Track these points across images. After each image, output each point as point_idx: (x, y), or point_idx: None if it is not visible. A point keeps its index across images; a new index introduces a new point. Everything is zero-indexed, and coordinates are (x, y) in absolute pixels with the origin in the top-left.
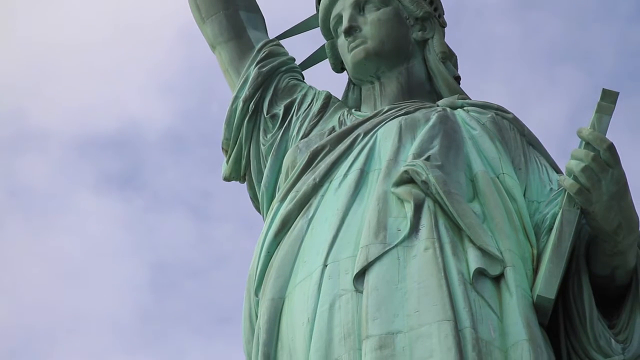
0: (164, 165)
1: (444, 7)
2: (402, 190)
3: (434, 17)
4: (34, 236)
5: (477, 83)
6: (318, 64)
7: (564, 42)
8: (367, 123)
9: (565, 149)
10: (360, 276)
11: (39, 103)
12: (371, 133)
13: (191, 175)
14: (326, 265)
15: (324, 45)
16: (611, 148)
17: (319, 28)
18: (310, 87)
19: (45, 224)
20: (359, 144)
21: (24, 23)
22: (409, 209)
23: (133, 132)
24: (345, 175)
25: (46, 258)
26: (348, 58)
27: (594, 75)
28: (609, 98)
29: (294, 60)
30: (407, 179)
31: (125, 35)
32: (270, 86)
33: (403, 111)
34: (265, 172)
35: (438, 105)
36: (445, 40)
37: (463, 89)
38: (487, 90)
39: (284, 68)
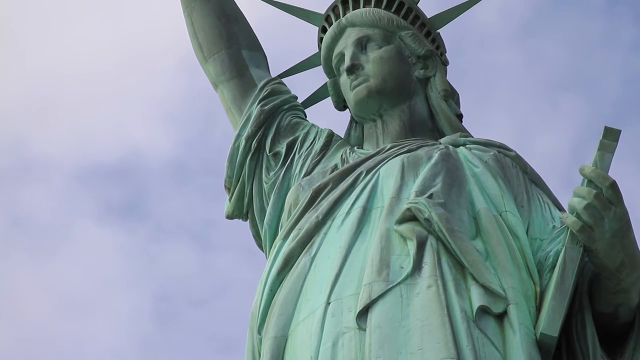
0: (167, 195)
1: (446, 35)
2: (404, 227)
3: (436, 55)
4: (36, 266)
5: (480, 112)
6: (320, 102)
7: (567, 70)
8: (370, 161)
9: (569, 178)
10: (363, 314)
11: (42, 132)
12: (374, 171)
13: (194, 204)
14: (329, 303)
15: (326, 83)
16: (614, 186)
17: (321, 66)
18: (313, 125)
19: (47, 254)
20: (361, 181)
21: (27, 52)
22: (411, 246)
23: (136, 161)
24: (348, 213)
25: (48, 288)
26: (350, 96)
27: (598, 103)
28: (611, 136)
29: (297, 98)
30: (409, 217)
31: (128, 65)
32: (273, 124)
33: (405, 149)
34: (268, 210)
35: (440, 143)
36: (448, 68)
37: (466, 118)
38: (490, 119)
39: (286, 106)
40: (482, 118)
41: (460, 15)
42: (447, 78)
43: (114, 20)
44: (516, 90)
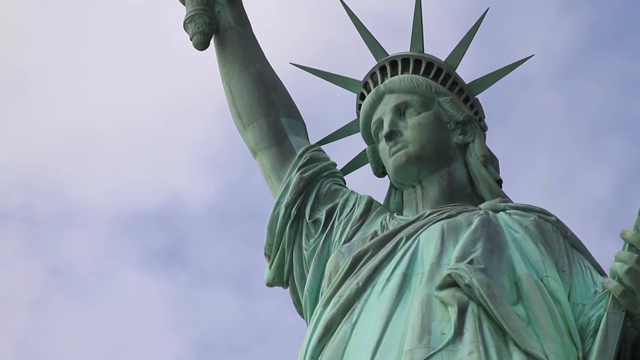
0: (208, 241)
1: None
2: (445, 293)
3: (475, 121)
4: (77, 314)
5: (522, 153)
6: (359, 169)
7: (610, 111)
8: (410, 227)
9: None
10: None
11: (82, 179)
12: (414, 237)
13: (235, 250)
14: None
15: (365, 150)
16: None
17: (360, 133)
18: (352, 191)
19: (88, 301)
20: (401, 248)
21: (67, 98)
22: (452, 312)
23: (176, 208)
24: (388, 279)
25: (89, 336)
26: (389, 162)
27: None
28: None
29: (336, 165)
30: (450, 283)
31: (168, 111)
32: (312, 191)
33: (445, 215)
34: (308, 277)
35: (480, 209)
36: (491, 111)
37: (509, 160)
38: (532, 161)
39: (325, 173)
40: (525, 160)
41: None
42: (489, 122)
43: (153, 66)
44: (559, 131)
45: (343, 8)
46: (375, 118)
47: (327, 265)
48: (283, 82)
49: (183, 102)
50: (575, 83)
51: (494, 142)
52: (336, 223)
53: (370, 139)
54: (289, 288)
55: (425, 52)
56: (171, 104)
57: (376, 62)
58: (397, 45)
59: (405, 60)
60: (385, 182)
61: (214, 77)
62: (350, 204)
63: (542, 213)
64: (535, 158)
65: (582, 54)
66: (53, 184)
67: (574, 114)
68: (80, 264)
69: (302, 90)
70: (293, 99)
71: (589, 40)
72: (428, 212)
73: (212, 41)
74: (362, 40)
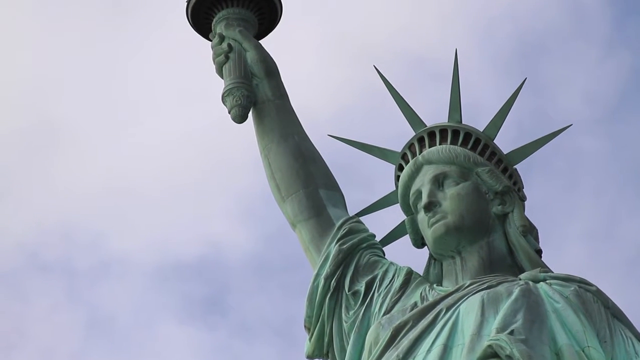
0: (248, 291)
1: (532, 119)
2: None
3: (514, 191)
4: None
5: (566, 198)
6: (398, 240)
7: None
8: (449, 298)
9: None
10: None
11: (121, 229)
12: (454, 308)
13: (275, 301)
14: None
15: (404, 221)
16: None
17: (398, 204)
18: (392, 263)
19: (128, 353)
20: (441, 319)
21: (105, 150)
22: None
23: (216, 258)
24: (429, 350)
25: None
26: (428, 233)
27: None
28: None
29: (375, 236)
30: (491, 354)
31: (207, 161)
32: (352, 263)
33: (485, 285)
34: (348, 349)
35: (520, 279)
36: (533, 157)
37: (552, 205)
38: (576, 206)
39: (364, 245)
40: (569, 205)
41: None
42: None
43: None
44: (602, 176)
45: (380, 79)
46: (413, 189)
47: (367, 337)
48: (321, 154)
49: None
50: (618, 127)
51: (535, 188)
52: (376, 294)
53: (409, 210)
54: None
55: (463, 121)
56: (209, 155)
57: (414, 133)
58: (436, 89)
59: (443, 130)
60: (425, 253)
61: (251, 128)
62: (390, 275)
63: (582, 283)
64: (579, 203)
65: (624, 98)
66: (92, 236)
67: (617, 158)
68: (120, 316)
69: (340, 161)
70: (331, 169)
71: (630, 84)
72: (468, 282)
73: (250, 114)
74: (400, 111)
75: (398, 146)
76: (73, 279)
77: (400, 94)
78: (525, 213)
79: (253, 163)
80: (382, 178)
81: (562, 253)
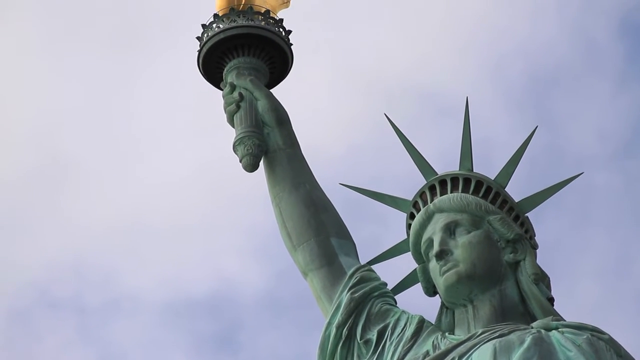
0: (260, 328)
1: (546, 156)
2: None
3: (525, 239)
4: None
5: (579, 234)
6: (410, 288)
7: None
8: (462, 346)
9: None
10: None
11: (132, 267)
12: (466, 356)
13: (288, 337)
14: None
15: (415, 269)
16: None
17: (410, 252)
18: (403, 311)
19: None
20: None
21: (116, 187)
22: None
23: (227, 295)
24: None
25: None
26: (440, 282)
27: None
28: None
29: (386, 284)
30: None
31: (218, 198)
32: (363, 312)
33: (497, 334)
34: None
35: (532, 327)
36: (545, 183)
37: (566, 241)
38: (589, 242)
39: (376, 293)
40: (581, 241)
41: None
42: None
43: (203, 150)
44: (615, 212)
45: (391, 126)
46: (425, 237)
47: None
48: (332, 202)
49: (232, 188)
50: (631, 163)
51: (548, 224)
52: (388, 343)
53: (420, 258)
54: None
55: (474, 158)
56: (220, 191)
57: (425, 181)
58: (447, 124)
59: (454, 179)
60: (437, 301)
61: (262, 166)
62: (402, 323)
63: (595, 331)
64: (592, 238)
65: (637, 134)
66: (103, 273)
67: (629, 194)
68: (131, 353)
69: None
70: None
71: None
72: (480, 331)
73: (261, 162)
74: (412, 160)
75: (410, 183)
76: (84, 316)
77: (410, 139)
78: (538, 249)
79: (264, 199)
80: (395, 212)
81: (574, 290)
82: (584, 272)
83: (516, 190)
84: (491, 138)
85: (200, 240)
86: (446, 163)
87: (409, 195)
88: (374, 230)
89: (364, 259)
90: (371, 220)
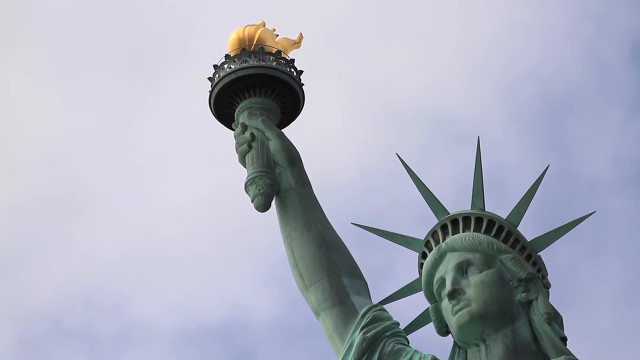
0: (273, 355)
1: (559, 181)
2: None
3: (538, 278)
4: None
5: (592, 259)
6: (423, 328)
7: None
8: None
9: None
10: None
11: (143, 296)
12: None
13: None
14: None
15: (427, 308)
16: None
17: (422, 292)
18: (416, 350)
19: None
20: None
21: (127, 214)
22: None
23: (240, 322)
24: None
25: None
26: (452, 321)
27: None
28: None
29: (399, 324)
30: None
31: (229, 225)
32: (376, 351)
33: None
34: None
35: None
36: (559, 217)
37: (577, 268)
38: (602, 267)
39: (388, 333)
40: (595, 267)
41: (568, 167)
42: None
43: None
44: (628, 237)
45: (403, 166)
46: (437, 277)
47: None
48: (344, 242)
49: (243, 215)
50: None
51: (561, 251)
52: None
53: (432, 297)
54: None
55: (485, 181)
56: (232, 218)
57: (437, 221)
58: (459, 149)
59: (466, 218)
60: (449, 340)
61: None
62: None
63: None
64: (605, 264)
65: None
66: (114, 301)
67: None
68: None
69: (363, 249)
70: (354, 257)
71: None
72: None
73: (273, 202)
74: (423, 198)
75: (423, 208)
76: (96, 344)
77: (422, 163)
78: (551, 276)
79: (276, 226)
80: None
81: (588, 316)
82: (598, 299)
83: (528, 216)
84: (503, 163)
85: (212, 267)
86: (458, 187)
87: (422, 222)
88: (385, 256)
89: (376, 287)
90: (384, 247)
